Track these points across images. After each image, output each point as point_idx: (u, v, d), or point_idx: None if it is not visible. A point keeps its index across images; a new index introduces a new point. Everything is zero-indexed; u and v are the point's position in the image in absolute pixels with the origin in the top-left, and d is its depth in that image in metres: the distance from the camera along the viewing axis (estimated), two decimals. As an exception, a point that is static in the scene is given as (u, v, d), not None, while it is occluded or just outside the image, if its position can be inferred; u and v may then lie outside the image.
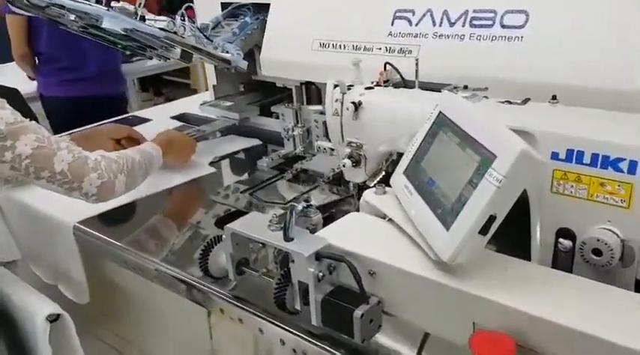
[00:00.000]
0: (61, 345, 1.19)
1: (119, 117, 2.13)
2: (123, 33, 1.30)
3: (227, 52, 1.49)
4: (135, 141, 1.54)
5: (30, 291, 1.23)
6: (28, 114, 1.61)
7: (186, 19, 1.35)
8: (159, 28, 1.30)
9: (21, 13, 2.42)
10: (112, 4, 1.29)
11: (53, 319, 1.16)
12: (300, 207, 0.90)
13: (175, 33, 1.32)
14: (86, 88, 2.63)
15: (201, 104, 1.93)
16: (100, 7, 1.27)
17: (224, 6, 1.73)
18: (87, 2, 1.27)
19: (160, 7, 4.15)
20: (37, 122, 1.14)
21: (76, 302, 1.38)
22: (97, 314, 1.43)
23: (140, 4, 1.30)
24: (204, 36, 1.45)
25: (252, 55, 1.70)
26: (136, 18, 1.29)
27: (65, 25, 1.44)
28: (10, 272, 1.31)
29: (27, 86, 2.80)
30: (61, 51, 2.58)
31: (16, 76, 2.82)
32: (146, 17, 1.31)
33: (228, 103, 1.88)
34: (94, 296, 1.36)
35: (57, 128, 2.53)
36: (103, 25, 1.28)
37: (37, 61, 2.67)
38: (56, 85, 2.65)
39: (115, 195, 1.20)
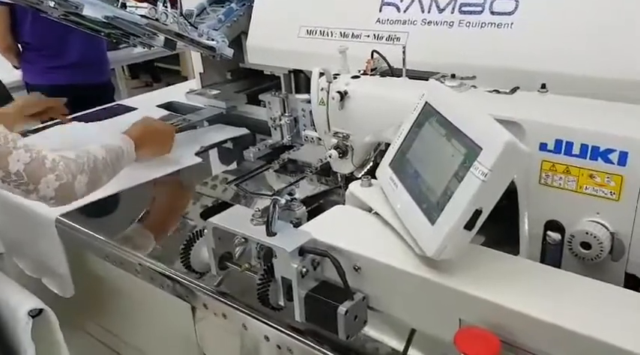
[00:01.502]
0: (45, 340, 1.17)
1: (104, 106, 2.09)
2: (104, 20, 1.27)
3: (212, 40, 1.46)
4: (56, 109, 1.51)
5: (12, 286, 1.21)
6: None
7: (168, 5, 1.31)
8: (140, 15, 1.26)
9: (2, 1, 2.39)
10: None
11: (35, 314, 1.14)
12: (283, 200, 0.87)
13: (157, 20, 1.29)
14: (70, 76, 2.59)
15: (187, 92, 1.89)
16: (80, -8, 1.23)
17: (209, -8, 1.69)
18: (66, -12, 1.23)
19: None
20: None
21: (61, 296, 1.36)
22: (82, 307, 1.41)
23: (121, -10, 1.27)
24: (189, 23, 1.41)
25: (238, 42, 1.67)
26: (116, 5, 1.26)
27: (46, 12, 1.40)
28: (-7, 266, 1.29)
29: (11, 75, 2.77)
30: (45, 39, 2.54)
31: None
32: (127, 4, 1.27)
33: (215, 91, 1.85)
34: (79, 290, 1.34)
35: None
36: (84, 13, 1.24)
37: (20, 50, 2.62)
38: (41, 73, 2.60)
39: (76, 197, 1.11)
